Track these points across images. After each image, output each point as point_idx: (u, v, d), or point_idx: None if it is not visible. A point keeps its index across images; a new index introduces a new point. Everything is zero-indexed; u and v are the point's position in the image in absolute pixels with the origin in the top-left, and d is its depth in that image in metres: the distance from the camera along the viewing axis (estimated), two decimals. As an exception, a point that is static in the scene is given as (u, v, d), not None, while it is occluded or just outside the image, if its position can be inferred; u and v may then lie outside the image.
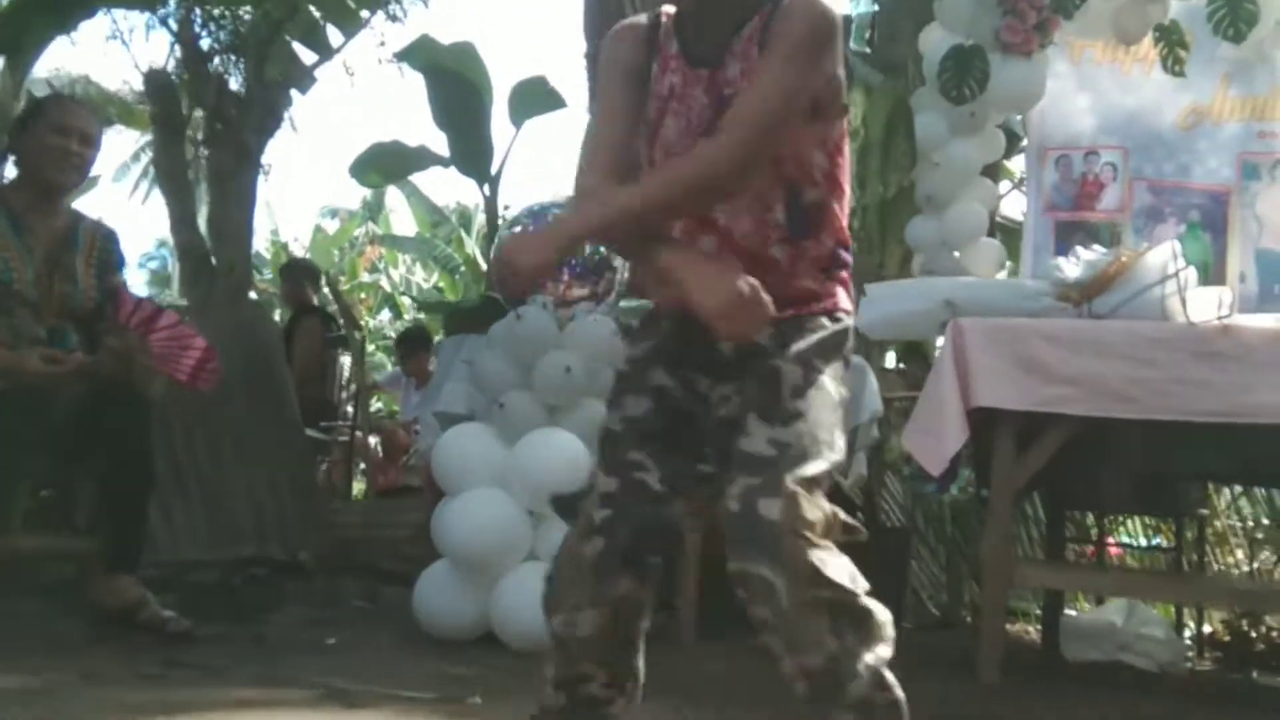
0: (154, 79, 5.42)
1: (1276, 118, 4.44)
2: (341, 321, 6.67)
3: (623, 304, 3.96)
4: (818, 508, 1.46)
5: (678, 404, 1.60)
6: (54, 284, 3.29)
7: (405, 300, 18.23)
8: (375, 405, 7.48)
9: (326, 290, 7.31)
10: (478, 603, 3.48)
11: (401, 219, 19.66)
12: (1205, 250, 3.41)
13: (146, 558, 3.51)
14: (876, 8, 6.71)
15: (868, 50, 6.30)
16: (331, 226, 21.49)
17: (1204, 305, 3.05)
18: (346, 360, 6.92)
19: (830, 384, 1.54)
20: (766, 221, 1.53)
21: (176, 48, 5.30)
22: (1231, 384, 2.95)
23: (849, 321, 1.61)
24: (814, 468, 1.48)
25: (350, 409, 6.51)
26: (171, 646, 3.10)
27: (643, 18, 1.62)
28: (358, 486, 6.55)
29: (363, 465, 6.46)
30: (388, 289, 18.96)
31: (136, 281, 24.65)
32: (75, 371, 3.17)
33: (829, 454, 1.51)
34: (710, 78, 1.53)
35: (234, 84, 5.36)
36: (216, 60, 5.26)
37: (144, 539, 3.35)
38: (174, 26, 5.18)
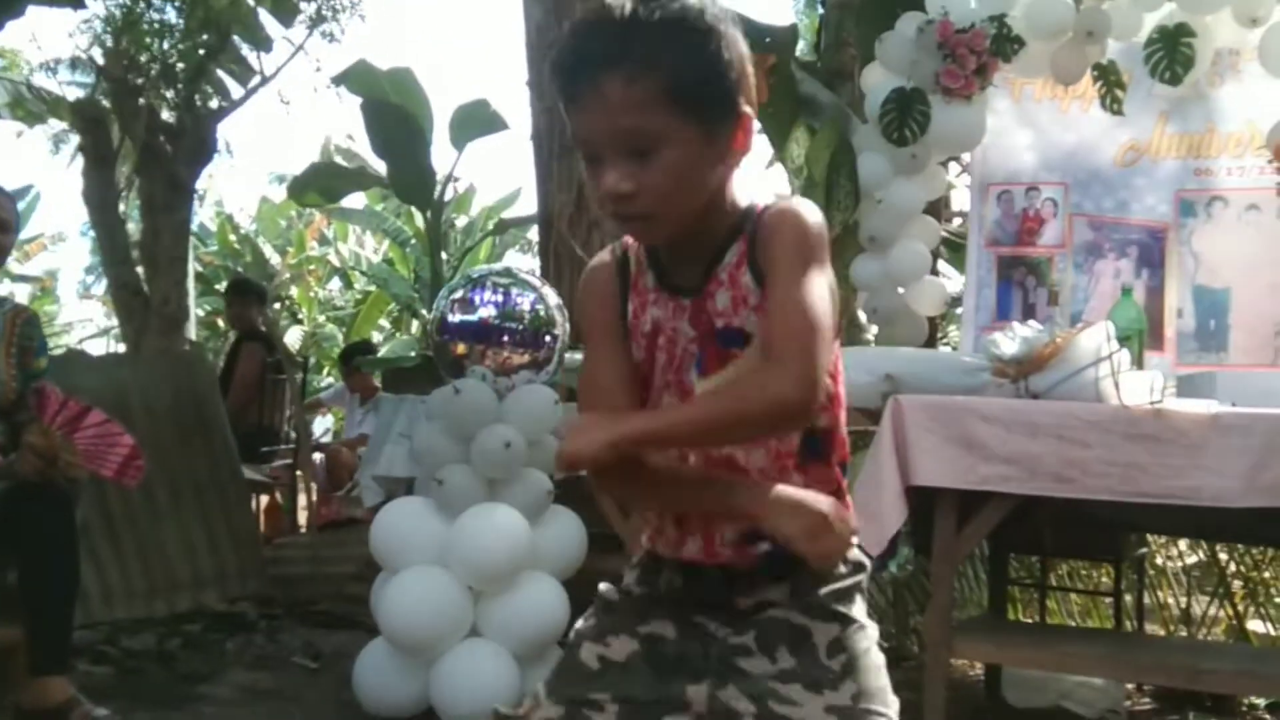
0: (83, 110, 5.28)
1: (1212, 155, 4.46)
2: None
3: (568, 361, 3.92)
4: None
5: (671, 649, 1.48)
6: None
7: (355, 272, 18.00)
8: (323, 423, 7.40)
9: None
10: (418, 680, 3.46)
11: (350, 189, 19.37)
12: (1139, 318, 3.41)
13: (79, 618, 3.46)
14: (821, 11, 6.69)
15: (815, 60, 6.28)
16: (279, 194, 20.98)
17: (1137, 388, 3.05)
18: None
19: (869, 631, 1.46)
20: (782, 451, 1.43)
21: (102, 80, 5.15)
22: (1163, 467, 2.96)
23: (863, 558, 1.51)
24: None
25: (293, 436, 6.45)
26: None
27: (608, 254, 1.53)
28: (303, 518, 6.49)
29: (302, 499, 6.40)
30: (336, 263, 18.70)
31: (79, 251, 24.12)
32: None
33: (886, 698, 1.43)
34: (695, 308, 1.43)
35: (164, 114, 5.22)
36: (147, 92, 5.11)
37: (69, 636, 3.26)
38: (98, 59, 5.03)
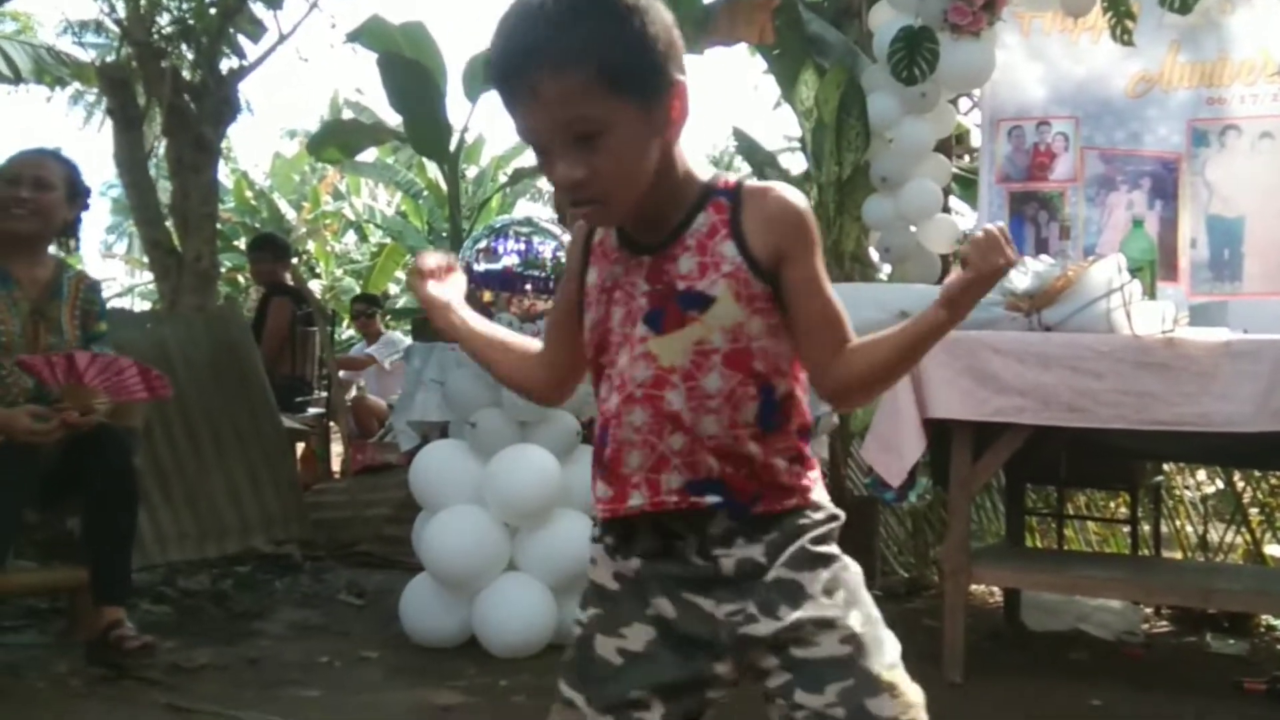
0: (108, 72, 5.37)
1: (1225, 84, 4.50)
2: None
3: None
4: (915, 687, 1.44)
5: (683, 634, 1.46)
6: (40, 335, 3.37)
7: (370, 225, 18.08)
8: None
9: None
10: (461, 613, 3.62)
11: (363, 142, 19.39)
12: (1151, 248, 3.48)
13: (136, 561, 3.64)
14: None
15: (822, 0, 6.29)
16: (291, 149, 21.03)
17: (1148, 318, 3.13)
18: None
19: (852, 568, 1.48)
20: (737, 421, 1.44)
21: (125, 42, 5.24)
22: (1176, 394, 3.05)
23: (830, 505, 1.52)
24: (892, 651, 1.44)
25: (324, 386, 6.59)
26: (175, 685, 3.20)
27: (583, 222, 1.56)
28: (335, 464, 6.66)
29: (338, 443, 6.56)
30: (351, 216, 18.78)
31: (100, 211, 24.22)
32: (60, 429, 3.25)
33: (885, 629, 1.46)
34: (653, 265, 1.46)
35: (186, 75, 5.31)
36: (170, 53, 5.19)
37: (128, 571, 3.44)
38: (123, 20, 5.12)
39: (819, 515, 1.49)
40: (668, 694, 1.45)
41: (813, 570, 1.45)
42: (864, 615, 1.44)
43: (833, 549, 1.48)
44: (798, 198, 1.46)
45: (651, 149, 1.41)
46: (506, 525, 3.62)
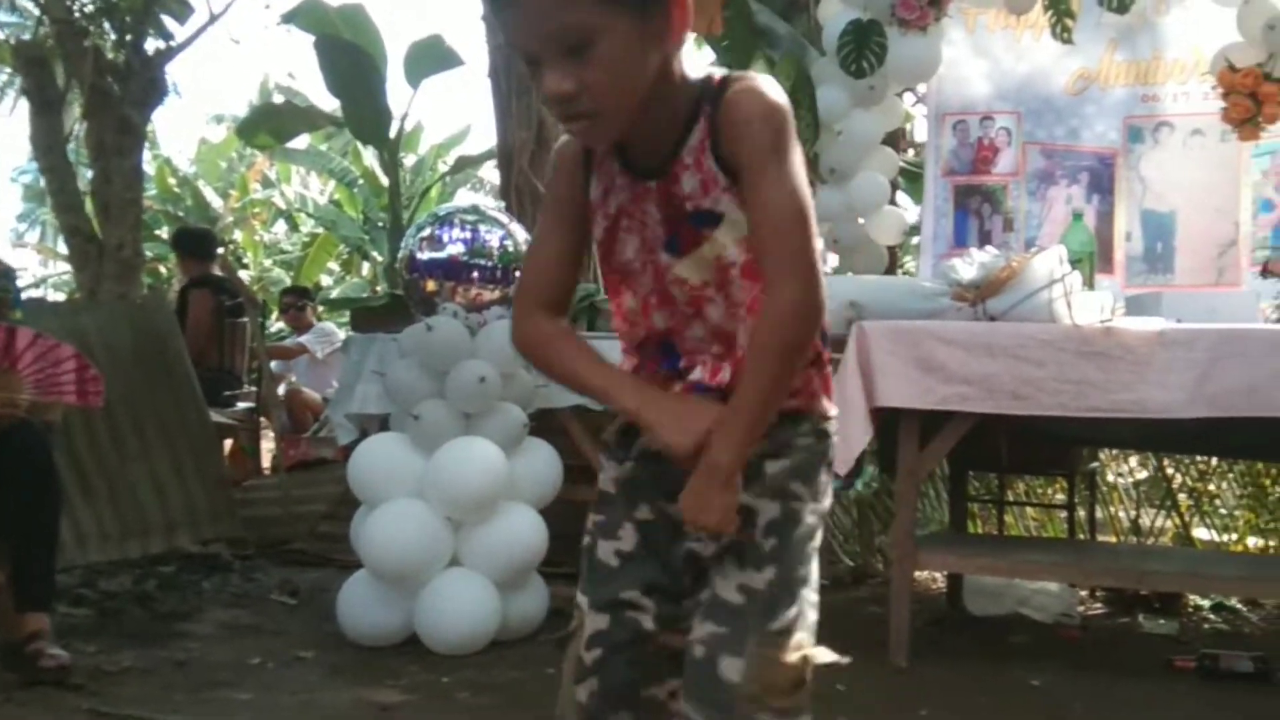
0: (24, 51, 5.17)
1: (1159, 82, 4.58)
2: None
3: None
4: (784, 664, 1.41)
5: (657, 538, 1.51)
6: None
7: (301, 214, 17.73)
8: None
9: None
10: (401, 610, 3.54)
11: (293, 129, 18.95)
12: (1090, 241, 3.53)
13: (57, 563, 3.49)
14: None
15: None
16: (217, 135, 20.50)
17: (1088, 308, 3.18)
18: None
19: (809, 516, 1.47)
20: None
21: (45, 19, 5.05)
22: (1113, 382, 3.10)
23: (832, 430, 1.52)
24: (785, 617, 1.42)
25: (253, 380, 6.44)
26: (98, 689, 3.08)
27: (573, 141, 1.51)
28: (267, 460, 6.51)
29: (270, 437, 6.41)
30: (282, 205, 18.39)
31: (11, 197, 23.43)
32: None
33: (804, 593, 1.44)
34: (661, 190, 1.43)
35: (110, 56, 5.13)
36: (92, 32, 5.01)
37: (50, 574, 3.30)
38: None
39: (807, 439, 1.48)
40: (658, 593, 1.49)
41: (770, 501, 1.45)
42: (779, 574, 1.43)
43: (803, 486, 1.47)
44: (757, 95, 1.37)
45: (648, 61, 1.35)
46: (449, 520, 3.55)
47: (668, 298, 1.46)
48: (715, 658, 1.41)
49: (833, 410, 1.52)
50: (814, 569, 1.48)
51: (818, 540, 1.49)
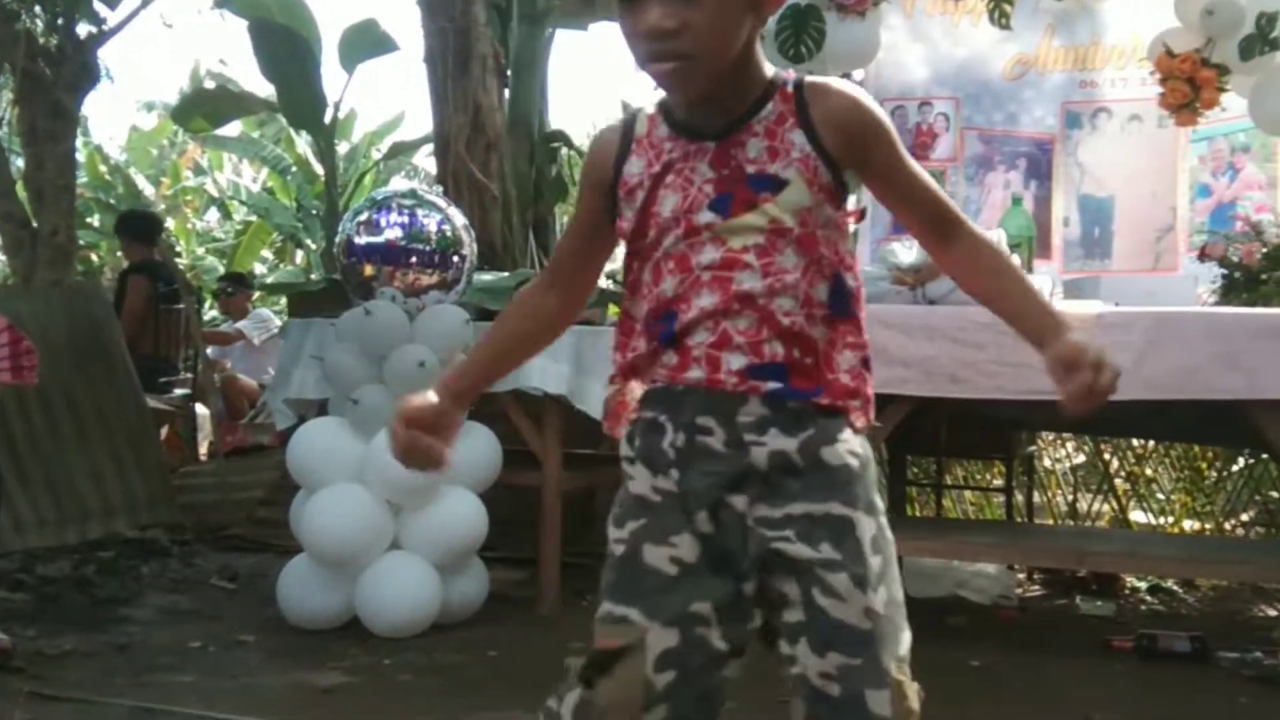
0: (-46, 33, 5.06)
1: (1097, 68, 4.64)
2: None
3: (476, 281, 3.96)
4: (915, 691, 1.37)
5: (718, 546, 1.41)
6: None
7: (234, 202, 17.45)
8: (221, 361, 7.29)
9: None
10: (342, 593, 3.51)
11: (226, 115, 18.55)
12: (1029, 225, 3.58)
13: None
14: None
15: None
16: (148, 122, 20.09)
17: (1029, 291, 3.20)
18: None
19: (887, 527, 1.43)
20: (812, 299, 1.41)
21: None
22: (1052, 364, 3.13)
23: (868, 449, 1.48)
24: (905, 641, 1.38)
25: (189, 366, 6.35)
26: (38, 673, 3.03)
27: (614, 124, 1.52)
28: (204, 446, 6.42)
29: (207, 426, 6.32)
30: (214, 193, 18.10)
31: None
32: None
33: (904, 617, 1.40)
34: (720, 151, 1.41)
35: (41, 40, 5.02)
36: (24, 16, 4.90)
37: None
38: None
39: (860, 439, 1.44)
40: (725, 613, 1.40)
41: (869, 517, 1.40)
42: (889, 595, 1.38)
43: (879, 501, 1.44)
44: (858, 91, 1.45)
45: (746, 21, 1.37)
46: (390, 503, 3.52)
47: (686, 263, 1.42)
48: (859, 694, 1.33)
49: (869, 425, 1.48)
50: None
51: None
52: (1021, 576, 4.35)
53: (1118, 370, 1.39)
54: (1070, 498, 5.01)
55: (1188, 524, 4.86)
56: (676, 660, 1.37)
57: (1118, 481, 5.02)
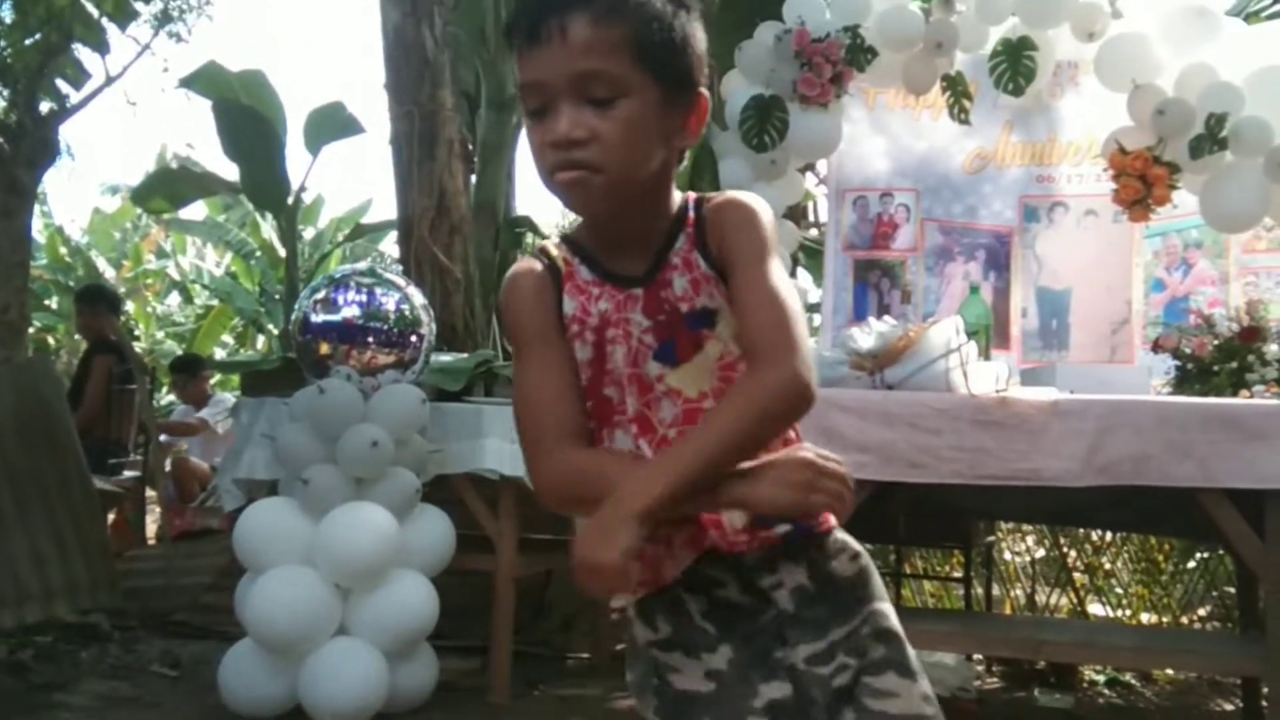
0: (-86, 107, 5.04)
1: (1054, 163, 4.71)
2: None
3: (434, 362, 3.92)
4: None
5: (788, 703, 1.34)
6: None
7: (196, 286, 17.40)
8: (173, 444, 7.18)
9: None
10: (285, 680, 3.41)
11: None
12: (986, 314, 3.59)
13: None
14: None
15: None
16: (112, 205, 20.09)
17: (983, 378, 3.20)
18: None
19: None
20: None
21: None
22: (1008, 450, 3.12)
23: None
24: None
25: (140, 449, 6.25)
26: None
27: (532, 261, 1.45)
28: (151, 530, 6.29)
29: (156, 509, 6.21)
30: (176, 276, 18.05)
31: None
32: None
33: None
34: (648, 296, 1.38)
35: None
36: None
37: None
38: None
39: (840, 534, 1.42)
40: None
41: (890, 607, 1.40)
42: (926, 683, 1.38)
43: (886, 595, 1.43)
44: (744, 202, 1.40)
45: (658, 145, 1.35)
46: (338, 587, 3.43)
47: (648, 425, 1.36)
48: None
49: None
50: None
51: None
52: (980, 668, 4.30)
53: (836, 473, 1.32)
54: (1029, 590, 4.98)
55: (1145, 616, 4.84)
56: None
57: (1076, 574, 5.00)
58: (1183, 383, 3.64)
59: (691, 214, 1.40)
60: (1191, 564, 4.81)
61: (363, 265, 4.03)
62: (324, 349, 3.67)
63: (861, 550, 1.43)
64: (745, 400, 1.28)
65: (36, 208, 17.14)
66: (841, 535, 1.42)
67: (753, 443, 1.29)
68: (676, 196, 1.42)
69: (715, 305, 1.37)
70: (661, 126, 1.34)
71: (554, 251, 1.44)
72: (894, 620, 1.39)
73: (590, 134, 1.30)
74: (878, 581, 1.42)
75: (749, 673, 1.34)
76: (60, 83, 5.45)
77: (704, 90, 1.40)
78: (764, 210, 1.39)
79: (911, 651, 1.38)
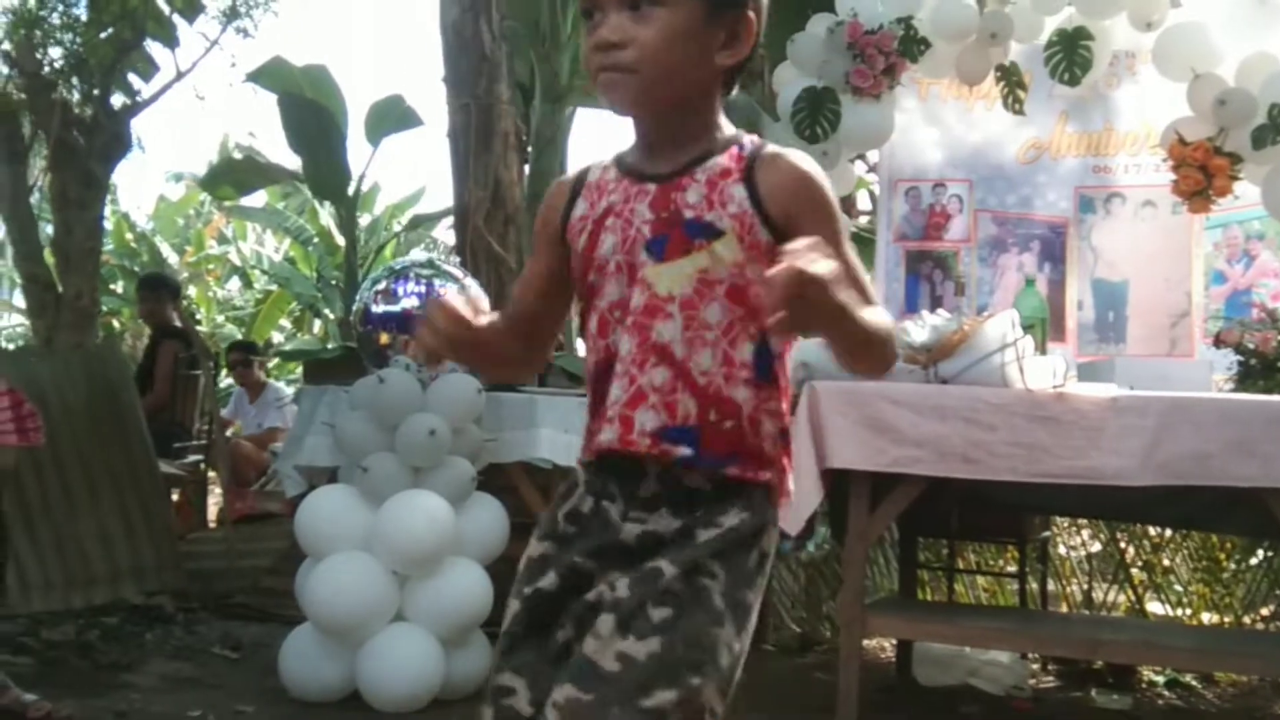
0: (-7, 103, 5.18)
1: (1110, 153, 4.67)
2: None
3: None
4: None
5: (548, 600, 1.43)
6: None
7: (256, 271, 17.63)
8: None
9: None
10: (343, 665, 3.48)
11: (251, 186, 18.63)
12: (1042, 307, 3.57)
13: (-1, 612, 3.43)
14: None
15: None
16: (176, 192, 20.43)
17: (1040, 373, 3.19)
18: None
19: (718, 601, 1.36)
20: (733, 358, 1.39)
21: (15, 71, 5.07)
22: (1065, 447, 3.09)
23: (773, 518, 1.44)
24: (659, 699, 1.29)
25: (205, 431, 6.37)
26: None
27: (567, 175, 1.57)
28: (213, 513, 6.42)
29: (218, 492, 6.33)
30: (237, 261, 18.30)
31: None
32: None
33: (687, 678, 1.31)
34: (660, 193, 1.43)
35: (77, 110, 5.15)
36: (60, 86, 5.03)
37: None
38: (10, 50, 4.95)
39: (746, 514, 1.40)
40: (530, 678, 1.40)
41: (680, 569, 1.36)
42: (664, 650, 1.32)
43: (717, 566, 1.38)
44: (811, 165, 1.45)
45: (698, 56, 1.42)
46: (395, 574, 3.50)
47: (620, 309, 1.44)
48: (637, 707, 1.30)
49: (784, 500, 1.46)
50: (719, 662, 1.34)
51: (726, 634, 1.36)
52: (1035, 667, 4.26)
53: (815, 278, 1.23)
54: (1085, 586, 4.93)
55: (1206, 616, 4.77)
56: None
57: (1134, 571, 4.94)
58: (1245, 378, 3.60)
59: (743, 151, 1.44)
60: (1254, 562, 4.73)
61: (421, 257, 4.11)
62: (384, 339, 3.74)
63: (744, 531, 1.40)
64: (886, 326, 1.38)
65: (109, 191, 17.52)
66: (743, 513, 1.40)
67: (864, 344, 1.35)
68: (729, 128, 1.48)
69: (722, 226, 1.41)
70: (701, 39, 1.41)
71: (593, 163, 1.55)
72: (662, 583, 1.35)
73: (626, 38, 1.38)
74: (704, 555, 1.38)
75: (546, 562, 1.44)
76: (132, 77, 5.58)
77: (751, 13, 1.44)
78: (829, 185, 1.46)
79: (656, 615, 1.34)
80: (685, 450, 1.39)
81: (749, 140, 1.46)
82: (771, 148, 1.45)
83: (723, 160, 1.44)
